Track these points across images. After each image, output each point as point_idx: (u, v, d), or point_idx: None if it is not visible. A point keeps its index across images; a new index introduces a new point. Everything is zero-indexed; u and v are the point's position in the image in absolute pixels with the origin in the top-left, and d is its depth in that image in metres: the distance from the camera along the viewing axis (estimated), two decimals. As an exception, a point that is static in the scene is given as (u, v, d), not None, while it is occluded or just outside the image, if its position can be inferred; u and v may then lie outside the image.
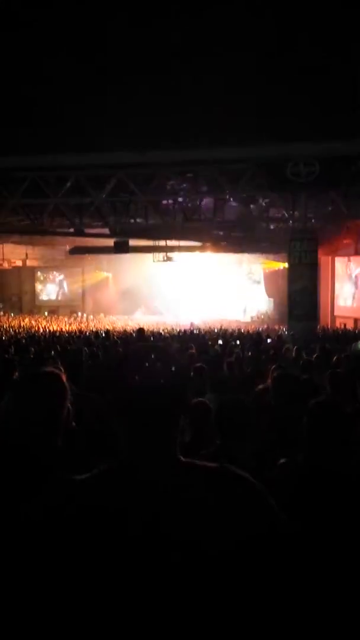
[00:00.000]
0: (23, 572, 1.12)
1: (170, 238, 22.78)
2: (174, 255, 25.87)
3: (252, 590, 1.09)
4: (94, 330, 18.09)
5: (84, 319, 29.86)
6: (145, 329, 13.10)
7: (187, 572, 1.07)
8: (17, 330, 18.47)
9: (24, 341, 11.98)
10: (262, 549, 1.12)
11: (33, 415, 1.68)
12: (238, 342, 11.52)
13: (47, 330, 19.12)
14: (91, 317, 31.36)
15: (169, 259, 26.06)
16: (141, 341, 10.28)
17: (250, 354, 8.41)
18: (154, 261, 26.34)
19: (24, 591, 1.11)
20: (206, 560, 1.07)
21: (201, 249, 24.88)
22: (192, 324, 21.60)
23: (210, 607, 1.06)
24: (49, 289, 36.45)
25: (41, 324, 23.13)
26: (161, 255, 25.72)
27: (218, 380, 5.79)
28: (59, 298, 36.34)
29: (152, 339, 12.42)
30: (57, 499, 1.16)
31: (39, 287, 36.28)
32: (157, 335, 13.56)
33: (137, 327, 12.67)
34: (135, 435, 1.17)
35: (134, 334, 11.59)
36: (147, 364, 1.18)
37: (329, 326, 21.00)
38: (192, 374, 5.20)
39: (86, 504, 1.13)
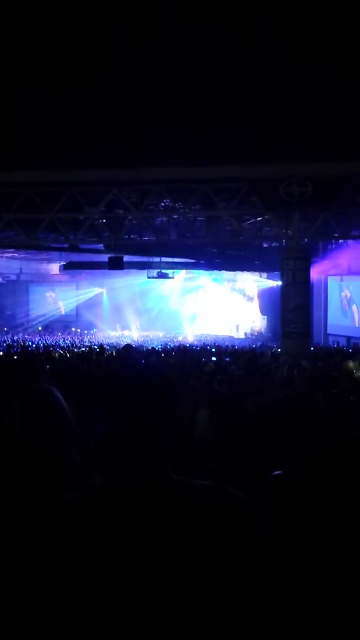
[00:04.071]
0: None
1: (164, 255, 22.88)
2: (168, 271, 26.06)
3: (236, 608, 1.11)
4: (87, 345, 18.07)
5: (78, 334, 29.82)
6: (139, 344, 13.07)
7: (175, 587, 1.08)
8: (10, 345, 18.41)
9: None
10: (248, 572, 1.12)
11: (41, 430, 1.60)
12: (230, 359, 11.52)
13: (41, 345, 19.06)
14: (85, 332, 31.33)
15: (163, 275, 26.24)
16: (130, 357, 10.25)
17: (243, 372, 8.41)
18: (148, 277, 26.47)
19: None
20: (193, 579, 1.08)
21: (195, 266, 25.00)
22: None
23: (195, 621, 1.07)
24: (43, 304, 36.39)
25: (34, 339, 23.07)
26: (155, 271, 25.87)
27: (211, 396, 5.79)
28: (53, 313, 36.28)
29: (145, 354, 12.40)
30: (52, 517, 1.17)
31: (32, 302, 36.23)
32: (150, 351, 13.54)
33: (125, 344, 12.64)
34: (126, 452, 1.18)
35: (123, 350, 11.59)
36: (137, 381, 1.19)
37: (322, 344, 21.05)
38: (185, 392, 5.20)
39: (78, 523, 1.14)
